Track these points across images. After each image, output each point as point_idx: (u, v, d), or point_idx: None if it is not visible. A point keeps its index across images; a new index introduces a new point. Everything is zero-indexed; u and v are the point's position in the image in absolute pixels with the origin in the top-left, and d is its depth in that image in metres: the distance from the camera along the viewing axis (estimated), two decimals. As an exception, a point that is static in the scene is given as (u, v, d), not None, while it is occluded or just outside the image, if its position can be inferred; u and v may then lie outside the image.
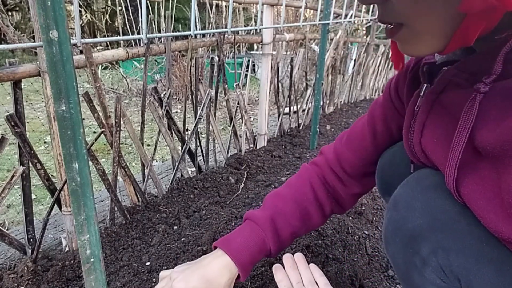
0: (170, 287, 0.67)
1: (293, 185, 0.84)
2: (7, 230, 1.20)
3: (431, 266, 0.54)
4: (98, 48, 4.22)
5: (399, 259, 0.60)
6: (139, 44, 1.22)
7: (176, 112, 3.56)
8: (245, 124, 1.89)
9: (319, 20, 1.77)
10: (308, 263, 0.77)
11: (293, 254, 0.79)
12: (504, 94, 0.46)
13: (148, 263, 1.01)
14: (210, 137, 1.64)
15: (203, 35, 1.60)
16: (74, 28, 0.82)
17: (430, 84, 0.59)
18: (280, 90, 2.17)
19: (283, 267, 0.76)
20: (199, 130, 1.57)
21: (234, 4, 1.93)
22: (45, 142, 2.85)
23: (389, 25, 0.51)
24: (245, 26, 4.32)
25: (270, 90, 1.99)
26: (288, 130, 2.36)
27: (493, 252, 0.48)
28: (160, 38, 1.83)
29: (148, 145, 2.78)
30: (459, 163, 0.51)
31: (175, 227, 1.21)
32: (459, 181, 0.52)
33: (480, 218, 0.49)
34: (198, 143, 1.59)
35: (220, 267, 0.70)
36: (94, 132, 3.10)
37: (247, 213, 0.79)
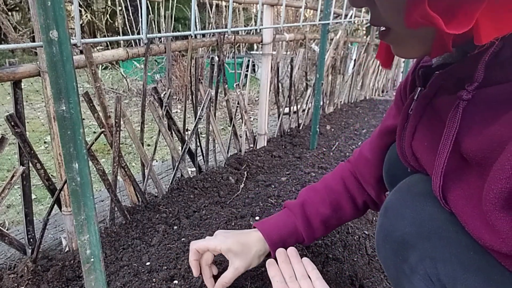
0: (215, 236, 0.81)
1: (326, 179, 0.91)
2: (7, 230, 1.20)
3: (419, 274, 0.54)
4: (98, 48, 4.22)
5: (390, 265, 0.61)
6: (139, 44, 1.22)
7: (176, 112, 3.56)
8: (245, 124, 1.89)
9: (319, 20, 1.77)
10: None
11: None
12: (487, 101, 0.46)
13: (148, 263, 1.01)
14: (210, 137, 1.64)
15: (203, 35, 1.60)
16: (74, 28, 0.82)
17: (424, 88, 0.60)
18: (280, 90, 2.17)
19: (277, 262, 0.78)
20: (199, 130, 1.57)
21: (234, 4, 1.93)
22: (45, 142, 2.85)
23: (381, 28, 0.53)
24: (245, 26, 4.32)
25: (270, 90, 1.99)
26: (288, 130, 2.36)
27: (480, 260, 0.48)
28: (160, 38, 1.83)
29: (148, 145, 2.78)
30: (445, 170, 0.51)
31: (175, 227, 1.21)
32: (446, 187, 0.52)
33: (465, 225, 0.49)
34: (198, 143, 1.59)
35: (256, 239, 0.81)
36: (94, 132, 3.10)
37: (285, 202, 0.89)
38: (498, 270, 0.47)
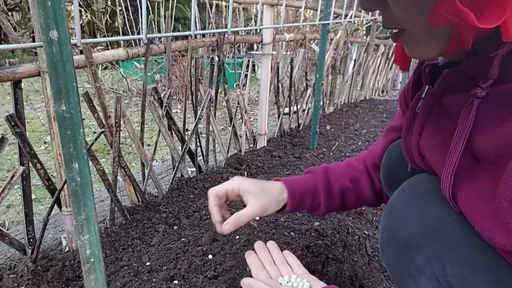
0: (232, 179, 0.80)
1: (348, 159, 0.92)
2: (7, 230, 1.20)
3: (426, 276, 0.53)
4: (98, 48, 4.22)
5: (395, 266, 0.60)
6: (139, 44, 1.22)
7: (176, 112, 3.56)
8: (245, 124, 1.89)
9: (319, 20, 1.77)
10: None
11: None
12: (501, 99, 0.46)
13: (148, 263, 1.01)
14: (210, 137, 1.64)
15: (203, 35, 1.60)
16: (74, 28, 0.82)
17: (431, 86, 0.59)
18: (280, 90, 2.17)
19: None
20: (199, 130, 1.57)
21: (234, 4, 1.92)
22: (45, 142, 2.85)
23: (393, 30, 0.52)
24: (245, 26, 4.32)
25: (270, 90, 1.99)
26: (288, 130, 2.35)
27: (489, 261, 0.47)
28: (160, 38, 1.83)
29: (148, 145, 2.78)
30: (456, 169, 0.51)
31: (175, 227, 1.21)
32: (456, 187, 0.51)
33: (475, 224, 0.49)
34: (198, 143, 1.59)
35: (276, 185, 0.80)
36: (94, 132, 3.10)
37: (308, 168, 0.90)
38: (507, 271, 0.46)
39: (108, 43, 3.64)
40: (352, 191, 0.84)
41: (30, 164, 0.98)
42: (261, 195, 0.77)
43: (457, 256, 0.50)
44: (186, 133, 1.52)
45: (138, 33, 3.93)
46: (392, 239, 0.60)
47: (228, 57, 2.98)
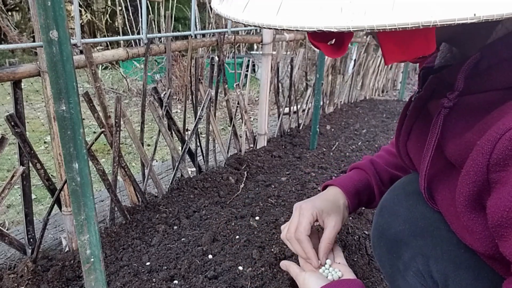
0: (300, 208, 0.77)
1: (385, 147, 0.92)
2: (7, 230, 1.20)
3: (412, 271, 0.56)
4: (98, 48, 4.22)
5: (385, 262, 0.63)
6: (139, 44, 1.22)
7: (176, 112, 3.56)
8: (245, 124, 1.89)
9: (319, 20, 1.76)
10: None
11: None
12: (468, 109, 0.48)
13: (148, 263, 1.01)
14: (210, 137, 1.64)
15: (203, 35, 1.60)
16: (74, 28, 0.82)
17: (421, 90, 0.61)
18: (280, 90, 2.17)
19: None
20: (199, 130, 1.57)
21: (234, 4, 1.92)
22: (45, 142, 2.85)
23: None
24: (245, 26, 4.32)
25: (270, 90, 1.99)
26: (288, 130, 2.35)
27: (470, 258, 0.50)
28: (160, 38, 1.83)
29: (148, 145, 2.78)
30: (432, 172, 0.53)
31: (175, 227, 1.21)
32: (434, 188, 0.54)
33: (450, 224, 0.51)
34: (198, 143, 1.59)
35: (334, 192, 0.81)
36: (94, 132, 3.10)
37: (351, 165, 0.90)
38: (488, 268, 0.48)
39: (108, 43, 3.63)
40: (401, 176, 0.84)
41: (30, 164, 0.98)
42: (335, 210, 0.77)
43: (441, 253, 0.52)
44: (186, 133, 1.52)
45: (138, 33, 3.92)
46: (382, 237, 0.62)
47: (228, 57, 2.98)
